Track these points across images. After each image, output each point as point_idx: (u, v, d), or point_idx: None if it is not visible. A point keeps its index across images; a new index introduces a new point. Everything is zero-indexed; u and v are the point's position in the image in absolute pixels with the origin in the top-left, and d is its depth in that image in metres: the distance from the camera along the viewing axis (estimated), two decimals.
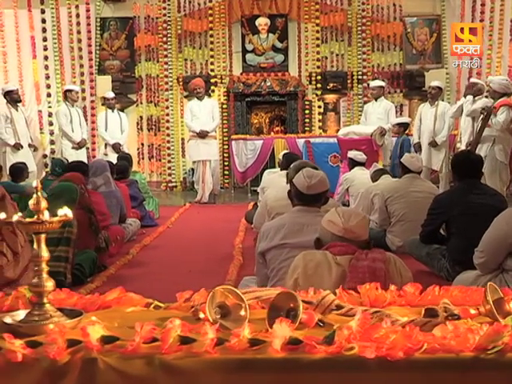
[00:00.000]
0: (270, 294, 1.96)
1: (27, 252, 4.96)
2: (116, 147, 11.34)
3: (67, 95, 11.24)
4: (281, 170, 7.91)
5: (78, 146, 11.11)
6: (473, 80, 10.28)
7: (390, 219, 6.93)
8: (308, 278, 3.28)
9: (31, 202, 1.79)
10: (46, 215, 1.77)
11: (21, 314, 1.84)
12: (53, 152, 12.39)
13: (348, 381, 1.52)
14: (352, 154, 9.26)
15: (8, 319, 1.81)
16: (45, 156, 12.21)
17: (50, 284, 1.79)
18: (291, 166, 6.01)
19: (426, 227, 5.80)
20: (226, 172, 13.19)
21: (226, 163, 13.11)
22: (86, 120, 12.08)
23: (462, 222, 5.48)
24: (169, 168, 13.61)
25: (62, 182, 6.36)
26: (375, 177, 7.91)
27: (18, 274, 4.90)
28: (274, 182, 8.09)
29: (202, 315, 1.69)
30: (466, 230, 5.31)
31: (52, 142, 12.41)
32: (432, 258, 5.70)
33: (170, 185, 13.55)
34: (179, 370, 1.54)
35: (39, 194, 1.81)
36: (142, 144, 13.56)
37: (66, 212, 1.84)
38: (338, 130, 13.27)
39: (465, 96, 9.62)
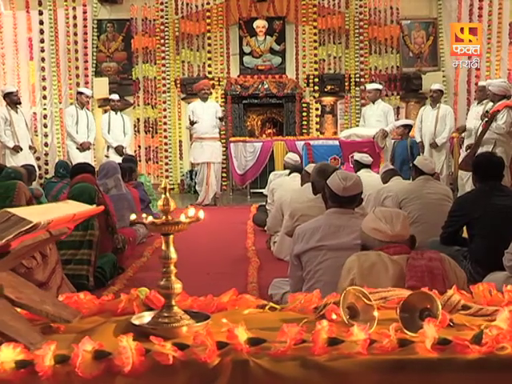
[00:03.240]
0: (397, 295, 1.96)
1: (54, 254, 4.93)
2: (119, 150, 11.27)
3: (78, 97, 11.18)
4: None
5: (82, 147, 11.00)
6: (481, 83, 10.38)
7: None
8: (364, 278, 3.27)
9: (160, 203, 1.78)
10: (182, 216, 1.76)
11: (146, 316, 1.81)
12: (46, 154, 12.29)
13: (501, 381, 1.51)
14: (358, 156, 9.26)
15: (136, 321, 1.78)
16: (38, 158, 12.08)
17: (178, 286, 1.77)
18: (313, 168, 6.03)
19: (447, 229, 5.81)
20: (224, 174, 13.15)
21: (224, 165, 13.07)
22: None
23: (484, 223, 5.49)
24: (166, 170, 13.56)
25: (78, 183, 6.32)
26: (385, 177, 7.90)
27: (46, 277, 4.86)
28: (284, 185, 8.10)
29: (334, 316, 1.68)
30: (489, 232, 5.31)
31: (46, 145, 12.30)
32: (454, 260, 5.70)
33: (167, 187, 13.46)
34: (333, 370, 1.52)
35: (167, 194, 1.80)
36: (139, 146, 13.50)
37: (197, 212, 1.82)
38: (335, 133, 13.36)
39: (475, 99, 9.73)
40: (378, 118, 10.86)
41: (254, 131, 14.15)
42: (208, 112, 10.99)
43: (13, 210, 1.59)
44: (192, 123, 10.87)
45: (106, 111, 12.29)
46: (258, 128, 14.29)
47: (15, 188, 5.09)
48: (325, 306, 1.84)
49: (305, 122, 13.62)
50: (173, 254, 1.79)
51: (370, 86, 11.47)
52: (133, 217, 1.83)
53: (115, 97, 11.61)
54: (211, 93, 11.64)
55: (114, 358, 1.53)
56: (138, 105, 13.49)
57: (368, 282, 3.23)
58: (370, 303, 1.75)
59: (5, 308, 1.72)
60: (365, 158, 9.19)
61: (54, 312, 1.83)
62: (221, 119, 11.10)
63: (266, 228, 7.74)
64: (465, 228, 5.86)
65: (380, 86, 11.56)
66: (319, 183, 5.64)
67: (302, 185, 7.21)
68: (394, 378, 1.53)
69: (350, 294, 1.75)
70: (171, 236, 1.78)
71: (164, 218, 1.76)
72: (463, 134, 10.59)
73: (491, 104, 9.69)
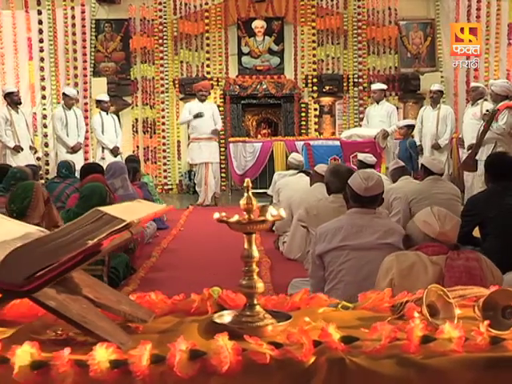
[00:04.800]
0: (475, 293, 1.96)
1: None
2: (115, 151, 11.22)
3: (63, 98, 11.13)
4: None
5: (73, 150, 10.95)
6: (473, 84, 10.43)
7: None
8: (403, 278, 3.28)
9: (242, 202, 1.77)
10: (267, 215, 1.76)
11: (226, 316, 1.81)
12: (46, 154, 12.23)
13: None
14: (362, 156, 9.27)
15: (217, 320, 1.78)
16: (38, 158, 12.01)
17: (260, 285, 1.77)
18: (327, 169, 6.05)
19: (461, 229, 5.82)
20: (223, 174, 13.14)
21: (223, 165, 13.06)
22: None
23: (497, 223, 5.51)
24: (164, 171, 13.53)
25: (89, 183, 6.30)
26: (394, 175, 7.89)
27: None
28: (291, 185, 8.11)
29: (416, 314, 1.69)
30: (502, 232, 5.34)
31: (46, 145, 12.24)
32: None
33: (165, 187, 13.47)
34: (429, 368, 1.53)
35: (249, 193, 1.79)
36: (138, 147, 13.44)
37: (278, 211, 1.82)
38: (333, 133, 13.40)
39: (468, 100, 9.79)
40: (381, 119, 10.89)
41: (250, 131, 14.14)
42: (205, 113, 10.98)
43: (103, 209, 1.58)
44: (197, 116, 10.85)
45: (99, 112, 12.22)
46: (253, 128, 14.28)
47: (33, 188, 5.07)
48: (402, 305, 1.84)
49: (303, 123, 13.63)
50: (255, 253, 1.78)
51: (375, 86, 11.50)
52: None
53: (106, 98, 11.54)
54: (209, 94, 11.65)
55: (210, 357, 1.52)
56: (137, 105, 13.44)
57: (407, 282, 3.25)
58: (450, 301, 1.76)
59: (89, 308, 1.71)
60: (369, 158, 9.21)
61: (131, 312, 1.82)
62: (216, 131, 11.13)
63: (273, 228, 7.73)
64: (477, 228, 5.91)
65: (385, 86, 11.61)
66: (333, 183, 5.66)
67: (311, 185, 7.23)
68: (488, 376, 1.54)
69: (431, 292, 1.76)
70: (253, 235, 1.78)
71: (247, 216, 1.75)
72: (461, 136, 10.65)
73: (486, 103, 9.75)
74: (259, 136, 13.73)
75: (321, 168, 7.29)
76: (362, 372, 1.53)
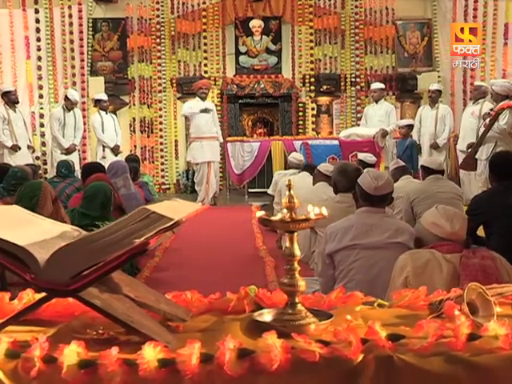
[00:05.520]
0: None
1: None
2: (116, 149, 11.22)
3: (65, 101, 11.12)
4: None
5: (67, 151, 10.92)
6: (477, 83, 10.47)
7: (414, 221, 6.98)
8: (418, 276, 3.30)
9: (285, 200, 1.77)
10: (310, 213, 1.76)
11: (266, 314, 1.80)
12: (44, 154, 12.20)
13: None
14: (362, 155, 9.29)
15: (259, 318, 1.78)
16: (37, 158, 11.98)
17: (302, 284, 1.76)
18: (334, 168, 6.05)
19: None
20: (220, 174, 13.12)
21: (221, 165, 13.04)
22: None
23: (502, 223, 5.53)
24: (162, 170, 13.50)
25: (93, 182, 6.28)
26: (395, 175, 7.91)
27: None
28: (294, 184, 8.10)
29: (456, 312, 1.69)
30: (507, 231, 5.36)
31: (44, 144, 12.20)
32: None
33: (163, 187, 13.44)
34: (478, 366, 1.53)
35: (291, 191, 1.79)
36: (135, 146, 13.41)
37: (320, 209, 1.82)
38: (330, 132, 13.42)
39: (470, 99, 9.82)
40: (380, 118, 10.93)
41: (245, 131, 14.13)
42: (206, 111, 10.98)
43: (150, 208, 1.58)
44: (203, 111, 10.86)
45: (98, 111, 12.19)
46: (248, 128, 14.28)
47: (41, 187, 5.04)
48: (440, 303, 1.85)
49: (301, 122, 13.64)
50: (297, 252, 1.78)
51: (375, 86, 11.53)
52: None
53: (105, 97, 11.53)
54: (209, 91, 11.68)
55: (258, 356, 1.52)
56: (134, 104, 13.41)
57: (422, 280, 3.26)
58: (489, 299, 1.77)
59: (133, 307, 1.70)
60: (369, 157, 9.22)
61: (170, 311, 1.82)
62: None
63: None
64: (481, 227, 5.94)
65: (384, 86, 11.66)
66: (340, 182, 5.67)
67: (314, 184, 7.23)
68: None
69: (471, 290, 1.76)
70: (295, 233, 1.78)
71: (289, 215, 1.75)
72: (458, 132, 10.70)
73: (487, 103, 9.80)
74: (255, 136, 13.72)
75: (324, 167, 7.30)
76: (410, 370, 1.53)
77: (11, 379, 1.55)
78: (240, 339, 1.59)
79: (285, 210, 1.77)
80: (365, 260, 4.12)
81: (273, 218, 1.76)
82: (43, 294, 1.72)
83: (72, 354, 1.53)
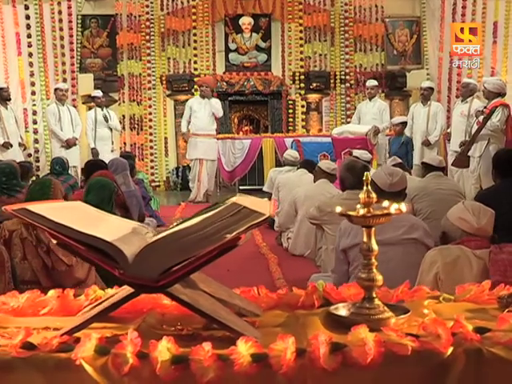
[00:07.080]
0: None
1: None
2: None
3: (55, 94, 11.05)
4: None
5: (67, 144, 10.84)
6: (465, 80, 10.55)
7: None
8: (448, 272, 3.31)
9: (362, 195, 1.78)
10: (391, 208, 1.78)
11: (341, 309, 1.81)
12: (37, 151, 12.10)
13: None
14: (357, 152, 9.33)
15: (336, 312, 1.78)
16: (29, 155, 11.89)
17: (380, 278, 1.77)
18: (342, 164, 6.06)
19: None
20: None
21: None
22: None
23: (507, 219, 5.60)
24: (152, 167, 13.46)
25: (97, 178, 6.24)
26: None
27: (85, 274, 4.75)
28: (292, 181, 8.10)
29: None
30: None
31: (36, 141, 12.11)
32: None
33: (153, 184, 13.37)
34: None
35: (369, 187, 1.80)
36: (125, 143, 13.36)
37: (400, 206, 1.83)
38: (320, 130, 13.46)
39: (457, 97, 9.89)
40: (373, 116, 10.99)
41: (232, 128, 14.12)
42: (205, 108, 10.97)
43: (241, 202, 1.58)
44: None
45: (90, 108, 12.13)
46: (235, 125, 14.27)
47: (51, 185, 4.98)
48: (509, 296, 1.87)
49: (290, 120, 13.66)
50: (374, 246, 1.79)
51: (370, 83, 11.58)
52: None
53: (99, 93, 11.48)
54: (213, 90, 11.62)
55: (351, 350, 1.53)
56: (123, 101, 13.37)
57: (453, 276, 3.29)
58: None
59: (215, 303, 1.70)
60: (364, 154, 9.27)
61: (244, 306, 1.82)
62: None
63: (277, 225, 7.74)
64: None
65: (377, 83, 11.74)
66: (348, 179, 5.68)
67: (314, 181, 7.25)
68: None
69: None
70: (373, 228, 1.79)
71: (366, 210, 1.76)
72: (449, 130, 10.76)
73: (476, 101, 9.88)
74: (241, 133, 13.72)
75: (325, 165, 7.34)
76: (499, 362, 1.55)
77: (101, 375, 1.54)
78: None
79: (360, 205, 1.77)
80: (379, 256, 4.12)
81: (352, 213, 1.77)
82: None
83: (164, 349, 1.53)
